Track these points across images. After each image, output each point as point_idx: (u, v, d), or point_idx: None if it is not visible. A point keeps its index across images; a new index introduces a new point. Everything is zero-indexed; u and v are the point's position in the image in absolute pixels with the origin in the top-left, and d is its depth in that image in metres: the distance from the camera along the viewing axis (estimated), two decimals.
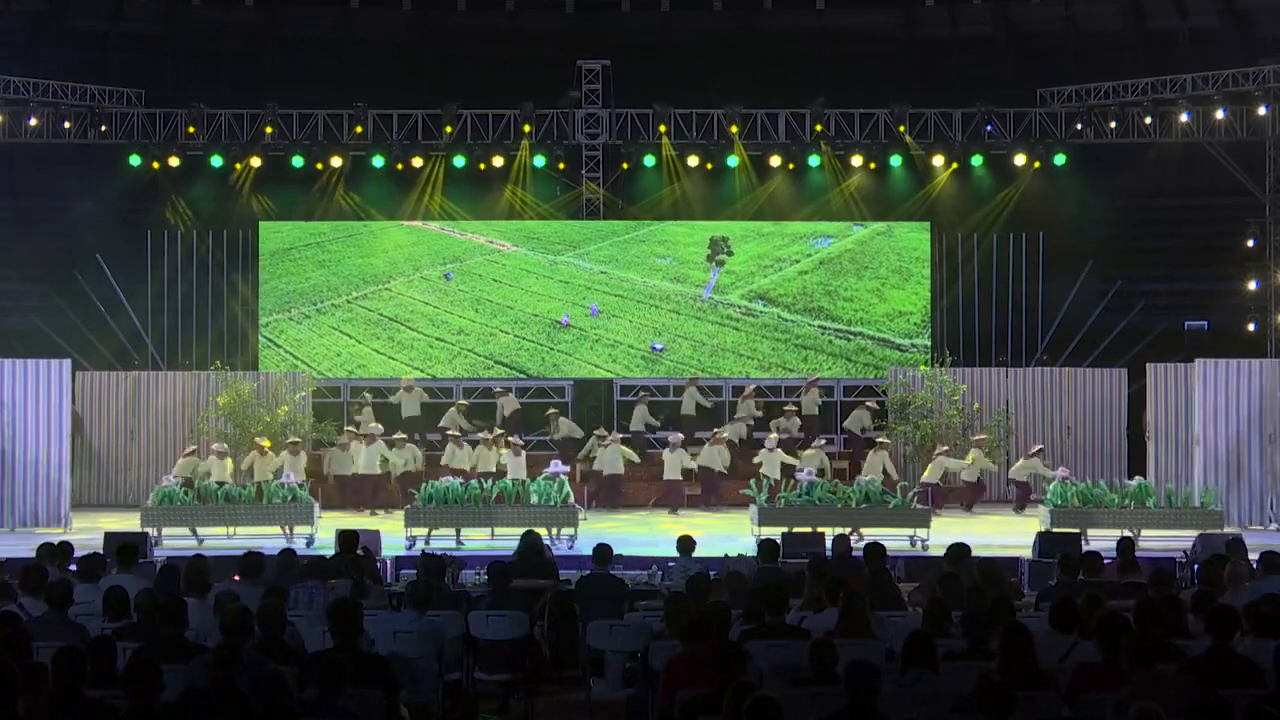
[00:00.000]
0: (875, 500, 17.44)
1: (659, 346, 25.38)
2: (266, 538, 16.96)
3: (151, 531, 16.57)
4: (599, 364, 25.28)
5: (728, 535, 17.14)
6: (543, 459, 20.81)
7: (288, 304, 25.51)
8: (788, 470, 19.94)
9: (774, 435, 21.48)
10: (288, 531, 17.61)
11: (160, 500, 17.77)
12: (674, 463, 21.08)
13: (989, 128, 25.46)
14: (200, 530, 17.73)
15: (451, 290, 25.82)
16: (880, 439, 21.73)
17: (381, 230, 26.16)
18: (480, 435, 21.43)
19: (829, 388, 24.19)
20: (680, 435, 21.69)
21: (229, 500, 17.73)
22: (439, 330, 25.50)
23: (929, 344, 25.14)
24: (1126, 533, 15.84)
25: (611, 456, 21.16)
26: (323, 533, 17.39)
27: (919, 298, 25.39)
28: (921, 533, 16.97)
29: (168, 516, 17.51)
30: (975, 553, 11.74)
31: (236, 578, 10.71)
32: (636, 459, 21.69)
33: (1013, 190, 26.25)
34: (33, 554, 11.66)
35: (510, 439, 21.05)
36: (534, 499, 17.59)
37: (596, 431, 22.06)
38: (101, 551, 12.41)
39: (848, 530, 16.30)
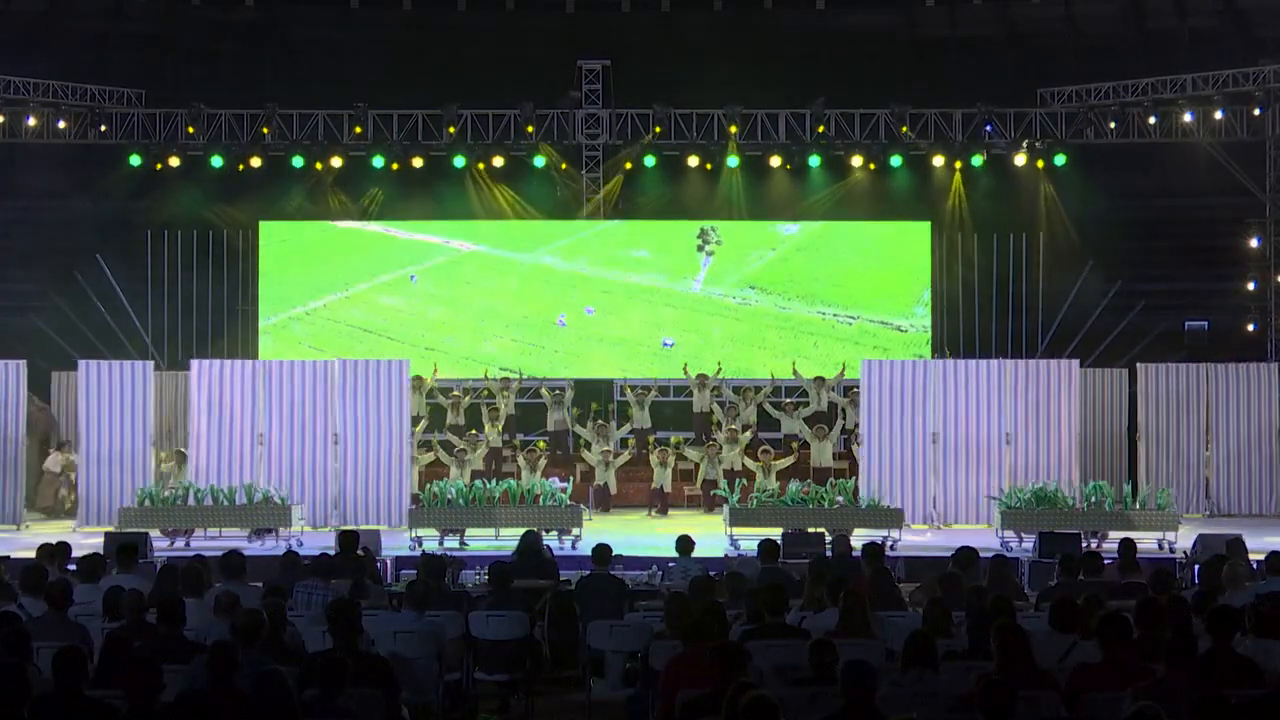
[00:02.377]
0: (848, 501, 17.48)
1: (669, 342, 25.34)
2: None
3: (154, 532, 16.58)
4: (611, 363, 25.15)
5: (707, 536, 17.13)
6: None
7: None
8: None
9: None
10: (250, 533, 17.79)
11: (141, 501, 17.74)
12: (663, 473, 21.13)
13: (989, 128, 25.45)
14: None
15: (423, 294, 25.65)
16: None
17: (315, 231, 25.98)
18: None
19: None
20: (668, 446, 21.69)
21: (214, 501, 17.73)
22: (427, 339, 25.19)
23: (929, 323, 25.28)
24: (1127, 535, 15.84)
25: (603, 473, 21.16)
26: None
27: (901, 280, 25.53)
28: (894, 533, 16.99)
29: (150, 518, 17.42)
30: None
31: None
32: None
33: (1013, 190, 26.27)
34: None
35: (529, 445, 21.13)
36: (541, 500, 17.60)
37: (598, 424, 22.01)
38: (101, 551, 12.42)
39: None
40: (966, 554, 11.30)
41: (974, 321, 25.88)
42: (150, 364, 20.36)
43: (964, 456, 19.38)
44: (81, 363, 20.10)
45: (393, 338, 25.27)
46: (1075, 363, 19.93)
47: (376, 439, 19.45)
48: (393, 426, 19.49)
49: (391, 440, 19.46)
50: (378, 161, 25.43)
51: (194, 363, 20.01)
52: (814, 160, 25.60)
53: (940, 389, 19.49)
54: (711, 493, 20.56)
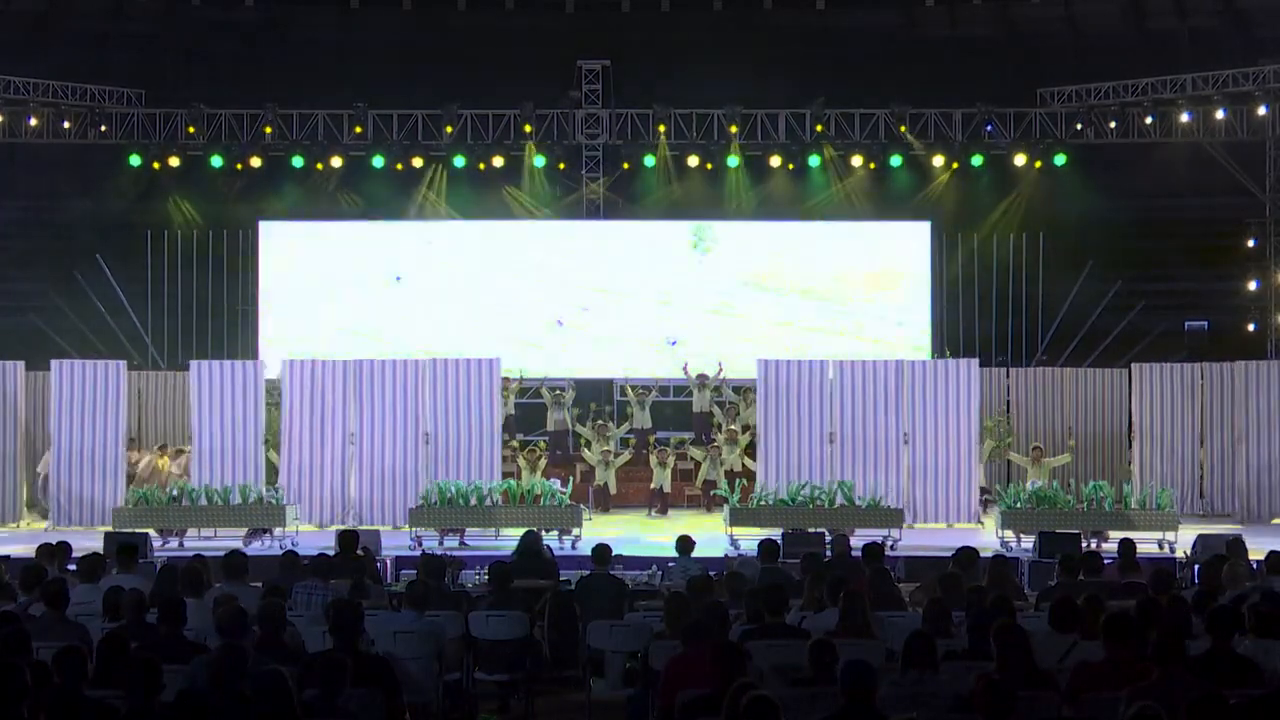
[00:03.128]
0: (849, 501, 17.49)
1: (673, 341, 25.36)
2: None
3: (152, 532, 16.56)
4: (611, 363, 25.13)
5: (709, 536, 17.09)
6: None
7: None
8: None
9: None
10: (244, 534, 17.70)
11: (135, 502, 17.69)
12: (663, 473, 21.16)
13: (989, 128, 25.50)
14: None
15: (422, 295, 25.59)
16: None
17: (313, 232, 25.96)
18: None
19: None
20: (667, 446, 21.74)
21: (208, 501, 17.69)
22: (426, 339, 25.03)
23: (928, 320, 25.30)
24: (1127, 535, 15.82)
25: (603, 472, 21.19)
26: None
27: (900, 280, 25.58)
28: (894, 533, 16.99)
29: (143, 518, 17.33)
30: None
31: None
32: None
33: (1013, 190, 26.30)
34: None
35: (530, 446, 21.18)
36: (541, 500, 17.58)
37: (598, 424, 22.02)
38: (101, 551, 12.41)
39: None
40: (966, 554, 11.29)
41: (974, 322, 25.88)
42: (259, 363, 20.24)
43: (861, 456, 19.26)
44: (192, 364, 19.91)
45: (390, 340, 25.21)
46: (974, 361, 19.76)
47: (468, 438, 19.35)
48: (484, 425, 19.37)
49: (483, 439, 19.35)
50: (378, 161, 25.44)
51: (286, 362, 19.88)
52: (814, 160, 25.65)
53: (838, 388, 19.36)
54: (711, 493, 20.55)
